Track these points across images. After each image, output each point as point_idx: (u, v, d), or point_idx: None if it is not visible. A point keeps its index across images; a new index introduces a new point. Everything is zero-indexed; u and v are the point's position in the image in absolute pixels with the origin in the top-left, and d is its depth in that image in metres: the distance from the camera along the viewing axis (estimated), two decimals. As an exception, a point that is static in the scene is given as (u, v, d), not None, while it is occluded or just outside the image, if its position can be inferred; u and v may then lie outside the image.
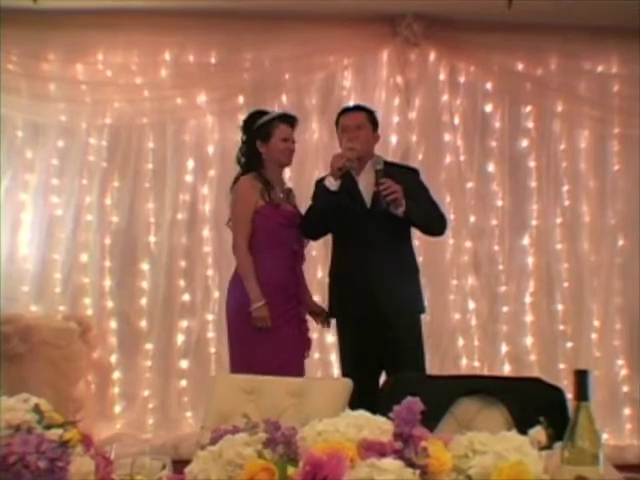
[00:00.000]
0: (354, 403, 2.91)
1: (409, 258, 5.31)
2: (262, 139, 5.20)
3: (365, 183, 5.20)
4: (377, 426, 1.80)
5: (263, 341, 5.02)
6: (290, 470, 1.72)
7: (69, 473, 1.82)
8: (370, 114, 5.37)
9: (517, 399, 3.18)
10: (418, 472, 1.66)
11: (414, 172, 5.43)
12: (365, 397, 2.87)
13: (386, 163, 5.23)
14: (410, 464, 1.67)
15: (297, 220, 5.23)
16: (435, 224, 5.27)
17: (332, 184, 5.07)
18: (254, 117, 5.33)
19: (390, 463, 1.62)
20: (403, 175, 5.19)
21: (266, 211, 5.15)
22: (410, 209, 5.00)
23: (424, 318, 5.46)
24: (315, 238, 5.51)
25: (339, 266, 5.32)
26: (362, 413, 1.88)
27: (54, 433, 1.90)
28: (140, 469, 2.05)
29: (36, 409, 1.99)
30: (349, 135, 5.21)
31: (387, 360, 5.04)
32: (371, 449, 1.71)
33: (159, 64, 6.99)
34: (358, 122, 5.26)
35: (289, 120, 5.30)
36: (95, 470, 1.91)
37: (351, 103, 6.48)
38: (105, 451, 2.09)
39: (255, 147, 5.22)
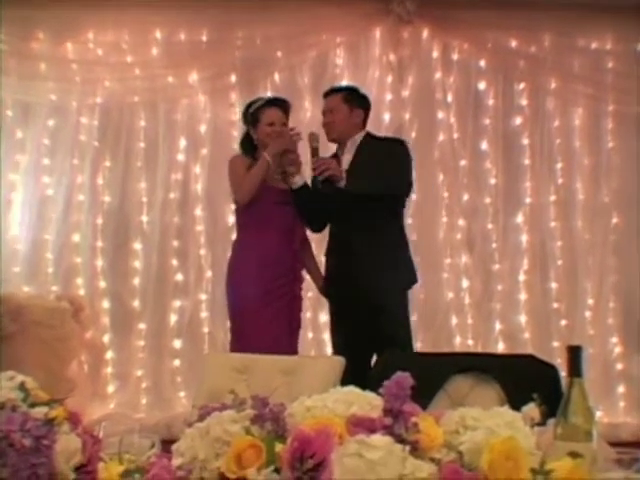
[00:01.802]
0: (346, 382, 2.89)
1: (392, 235, 5.27)
2: (253, 125, 5.32)
3: (346, 163, 5.21)
4: (367, 402, 1.78)
5: (253, 318, 5.06)
6: (278, 447, 1.70)
7: (55, 451, 1.80)
8: (346, 93, 5.37)
9: (510, 376, 3.16)
10: (408, 448, 1.64)
11: (394, 143, 5.43)
12: (357, 376, 2.86)
13: (373, 137, 5.28)
14: (400, 440, 1.65)
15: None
16: (375, 191, 5.07)
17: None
18: (248, 105, 5.44)
19: (379, 439, 1.60)
20: (377, 147, 5.23)
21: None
22: (350, 182, 5.01)
23: (417, 296, 5.46)
24: (318, 231, 5.52)
25: (328, 246, 5.39)
26: (352, 389, 1.86)
27: (39, 411, 1.87)
28: (128, 447, 2.03)
29: (21, 387, 1.97)
30: (323, 121, 5.36)
31: (373, 338, 5.04)
32: (360, 425, 1.69)
33: (150, 42, 6.95)
34: (330, 106, 5.34)
35: (276, 103, 5.37)
36: (82, 448, 1.89)
37: (343, 83, 6.48)
38: (93, 429, 2.06)
39: (249, 134, 5.36)
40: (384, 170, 5.08)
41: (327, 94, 5.45)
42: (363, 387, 1.94)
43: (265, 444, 1.72)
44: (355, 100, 5.35)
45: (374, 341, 5.02)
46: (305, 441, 1.63)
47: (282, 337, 5.11)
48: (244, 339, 5.08)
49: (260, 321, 5.06)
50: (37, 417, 1.85)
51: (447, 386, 3.25)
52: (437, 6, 6.87)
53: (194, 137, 6.95)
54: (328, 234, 5.37)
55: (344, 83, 6.65)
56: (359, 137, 5.29)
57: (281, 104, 5.38)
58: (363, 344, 5.03)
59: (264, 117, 5.27)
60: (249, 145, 5.35)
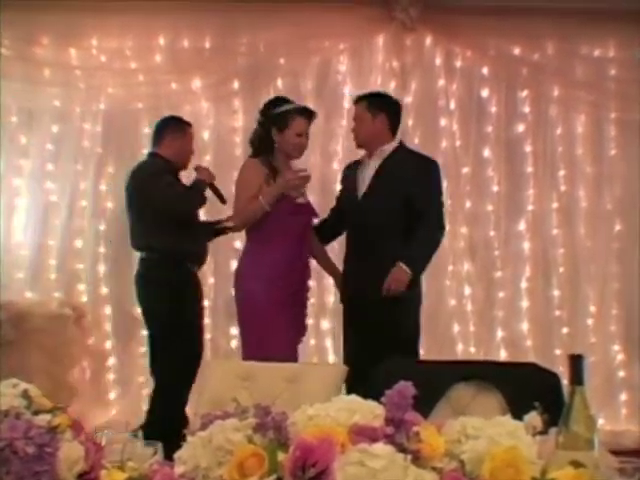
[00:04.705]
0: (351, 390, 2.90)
1: (384, 246, 5.19)
2: (278, 128, 5.13)
3: (363, 174, 5.29)
4: (369, 411, 1.79)
5: (268, 327, 5.00)
6: (280, 455, 1.71)
7: (58, 459, 1.81)
8: (370, 100, 5.36)
9: (512, 385, 3.16)
10: (410, 457, 1.64)
11: (425, 160, 5.45)
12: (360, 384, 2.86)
13: (405, 150, 5.40)
14: (402, 449, 1.65)
15: (305, 209, 5.26)
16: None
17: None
18: (275, 103, 5.26)
19: (381, 448, 1.61)
20: (406, 161, 5.32)
21: None
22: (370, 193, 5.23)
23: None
24: (326, 243, 5.63)
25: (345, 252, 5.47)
26: (354, 398, 1.86)
27: (42, 419, 1.88)
28: (131, 455, 2.03)
29: (24, 394, 1.98)
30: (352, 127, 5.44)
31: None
32: (362, 434, 1.69)
33: (153, 49, 6.96)
34: (355, 114, 5.39)
35: (308, 114, 5.23)
36: (85, 456, 1.89)
37: (346, 89, 6.54)
38: (96, 437, 2.07)
39: (270, 134, 5.15)
40: (410, 186, 5.15)
41: (355, 102, 5.47)
42: (365, 395, 1.94)
43: (267, 453, 1.72)
44: (378, 106, 5.31)
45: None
46: (307, 450, 1.64)
47: (295, 344, 5.13)
48: (261, 347, 4.96)
49: (275, 330, 4.99)
50: (40, 425, 1.85)
51: (449, 394, 3.24)
52: (440, 13, 6.88)
53: (197, 143, 6.90)
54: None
55: (347, 90, 6.75)
56: (389, 148, 5.28)
57: (311, 115, 5.29)
58: (363, 350, 5.05)
59: (294, 125, 5.11)
60: (264, 146, 5.18)
